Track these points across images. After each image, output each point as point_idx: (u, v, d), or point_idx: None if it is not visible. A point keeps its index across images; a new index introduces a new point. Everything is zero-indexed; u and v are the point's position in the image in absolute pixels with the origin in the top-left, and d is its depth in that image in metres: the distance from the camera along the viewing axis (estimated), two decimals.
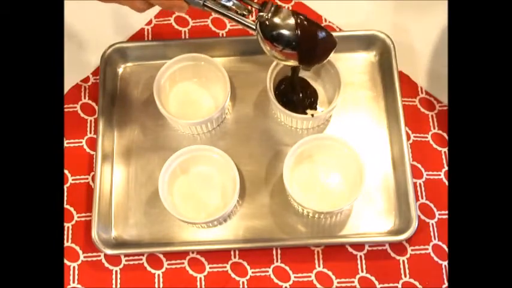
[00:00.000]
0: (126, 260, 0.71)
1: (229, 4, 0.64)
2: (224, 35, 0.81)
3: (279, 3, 0.82)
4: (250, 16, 0.66)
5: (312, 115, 0.72)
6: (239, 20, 0.65)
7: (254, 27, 0.65)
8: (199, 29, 0.81)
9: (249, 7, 0.65)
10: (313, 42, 0.65)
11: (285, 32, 0.64)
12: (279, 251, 0.71)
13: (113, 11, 0.82)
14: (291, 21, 0.63)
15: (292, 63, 0.66)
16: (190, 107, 0.76)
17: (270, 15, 0.64)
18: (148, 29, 0.81)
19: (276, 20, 0.64)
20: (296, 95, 0.75)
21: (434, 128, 0.76)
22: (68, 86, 0.78)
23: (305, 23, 0.64)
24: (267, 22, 0.64)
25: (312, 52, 0.66)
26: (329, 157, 0.72)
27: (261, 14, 0.64)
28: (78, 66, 0.79)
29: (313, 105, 0.75)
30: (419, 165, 0.74)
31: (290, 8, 0.81)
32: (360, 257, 0.71)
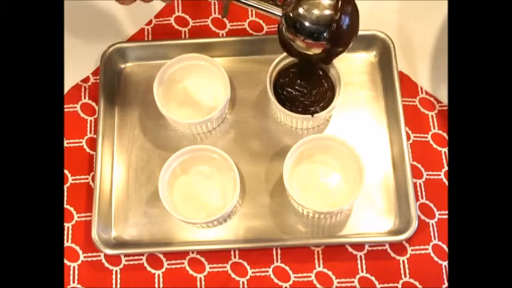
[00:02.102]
0: (126, 260, 0.71)
1: None
2: (224, 35, 0.81)
3: None
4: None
5: (312, 115, 0.72)
6: (264, 8, 0.63)
7: (280, 14, 0.63)
8: (199, 29, 0.81)
9: None
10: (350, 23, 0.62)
11: (311, 24, 0.61)
12: (279, 251, 0.71)
13: (113, 10, 0.82)
14: (316, 11, 0.61)
15: (314, 50, 0.64)
16: (190, 107, 0.76)
17: (293, 5, 0.61)
18: (148, 29, 0.81)
19: (301, 10, 0.61)
20: (310, 81, 0.73)
21: (434, 128, 0.76)
22: (68, 86, 0.78)
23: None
24: (291, 14, 0.61)
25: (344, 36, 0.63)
26: (329, 157, 0.72)
27: (287, 0, 0.61)
28: (78, 66, 0.79)
29: (319, 104, 0.74)
30: (419, 165, 0.74)
31: None
32: (360, 257, 0.71)
